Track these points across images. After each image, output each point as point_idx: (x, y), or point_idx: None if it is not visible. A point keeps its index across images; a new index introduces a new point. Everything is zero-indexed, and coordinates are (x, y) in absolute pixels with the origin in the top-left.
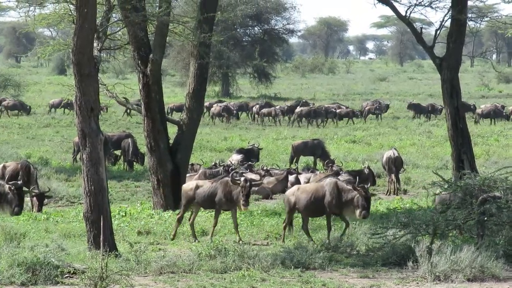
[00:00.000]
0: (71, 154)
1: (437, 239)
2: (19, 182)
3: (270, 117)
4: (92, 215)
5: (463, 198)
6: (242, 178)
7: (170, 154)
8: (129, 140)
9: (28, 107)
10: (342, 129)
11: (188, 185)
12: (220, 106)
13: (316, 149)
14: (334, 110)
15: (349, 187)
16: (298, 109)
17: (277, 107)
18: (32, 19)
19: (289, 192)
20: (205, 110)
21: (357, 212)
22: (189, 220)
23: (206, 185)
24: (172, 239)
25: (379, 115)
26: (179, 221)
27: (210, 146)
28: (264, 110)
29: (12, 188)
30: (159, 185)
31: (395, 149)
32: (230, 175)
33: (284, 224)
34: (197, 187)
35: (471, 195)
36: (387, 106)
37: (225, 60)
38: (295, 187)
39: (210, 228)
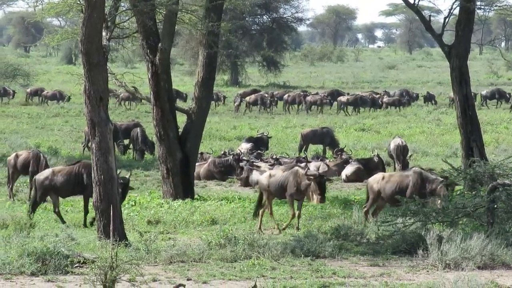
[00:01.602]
0: (81, 144)
1: (447, 227)
2: (127, 177)
3: (316, 106)
4: (101, 205)
5: (473, 186)
6: (317, 173)
7: (179, 143)
8: (138, 129)
9: (67, 96)
10: (351, 117)
11: (264, 175)
12: (256, 96)
13: (325, 138)
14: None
15: (434, 177)
16: (344, 98)
17: (321, 94)
18: (41, 8)
19: (372, 179)
20: (239, 99)
21: (438, 202)
22: (269, 211)
23: (278, 175)
24: (259, 230)
25: (402, 106)
26: (272, 216)
27: (220, 135)
28: (310, 98)
29: (120, 181)
30: (168, 174)
31: (399, 137)
32: (304, 169)
33: (365, 210)
34: (270, 176)
35: (480, 183)
36: (417, 96)
37: (233, 49)
38: (379, 175)
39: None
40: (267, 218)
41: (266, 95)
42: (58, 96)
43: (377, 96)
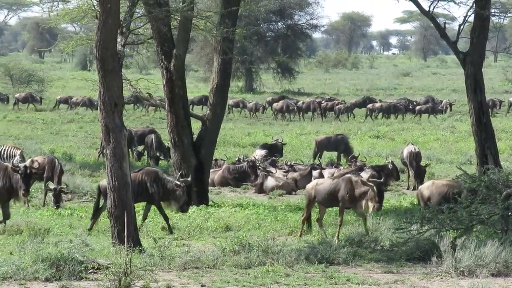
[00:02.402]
0: (95, 150)
1: (461, 234)
2: (188, 179)
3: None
4: (116, 211)
5: (487, 193)
6: (378, 180)
7: (193, 149)
8: (152, 135)
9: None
10: (366, 124)
11: (311, 184)
12: (283, 103)
13: (339, 144)
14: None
15: None
16: (377, 104)
17: (349, 102)
18: (55, 14)
19: (422, 186)
20: (267, 106)
21: None
22: (303, 216)
23: (327, 183)
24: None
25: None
26: (304, 222)
27: (234, 142)
28: (340, 106)
29: (181, 185)
30: None
31: (412, 144)
32: (356, 176)
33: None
34: (317, 184)
35: (495, 190)
36: (450, 105)
37: (248, 55)
38: (430, 182)
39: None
40: (281, 225)
41: (292, 102)
42: (88, 103)
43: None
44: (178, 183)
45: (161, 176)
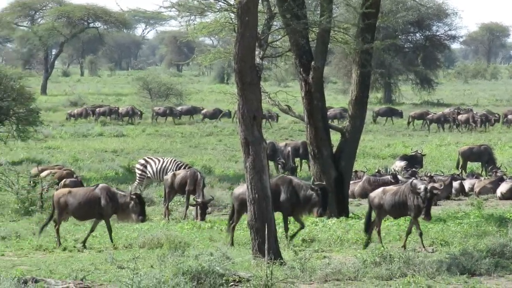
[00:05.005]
0: (235, 162)
1: None
2: (323, 183)
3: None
4: (256, 223)
5: None
6: None
7: (333, 161)
8: (289, 148)
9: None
10: (506, 134)
11: None
12: (468, 114)
13: (482, 155)
14: None
15: None
16: None
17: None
18: (193, 28)
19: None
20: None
21: None
22: None
23: None
24: None
25: None
26: None
27: (374, 153)
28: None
29: (316, 188)
30: None
31: None
32: None
33: None
34: None
35: None
36: None
37: (387, 67)
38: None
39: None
40: (422, 236)
41: (477, 114)
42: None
43: None
44: (314, 187)
45: (294, 184)
